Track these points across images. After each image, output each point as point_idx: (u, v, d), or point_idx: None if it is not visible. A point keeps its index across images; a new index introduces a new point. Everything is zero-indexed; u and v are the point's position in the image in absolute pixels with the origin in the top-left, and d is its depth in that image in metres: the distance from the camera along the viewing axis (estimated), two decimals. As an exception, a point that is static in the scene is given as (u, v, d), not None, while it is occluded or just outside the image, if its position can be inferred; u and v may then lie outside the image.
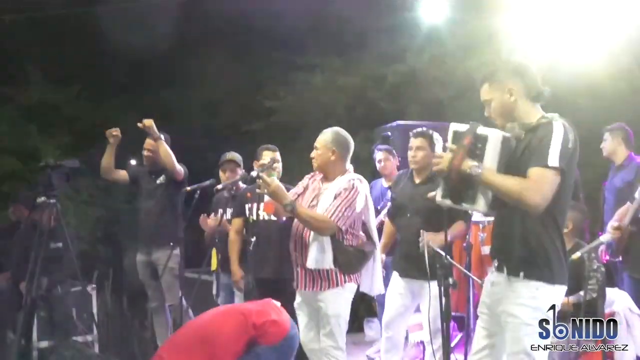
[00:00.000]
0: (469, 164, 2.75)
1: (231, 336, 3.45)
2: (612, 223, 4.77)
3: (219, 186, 5.05)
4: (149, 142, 5.72)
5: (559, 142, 2.70)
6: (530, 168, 2.72)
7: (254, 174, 4.11)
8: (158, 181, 5.67)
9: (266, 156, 4.88)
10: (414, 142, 4.56)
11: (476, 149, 2.79)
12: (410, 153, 4.57)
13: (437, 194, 2.97)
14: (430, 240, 4.46)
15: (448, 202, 2.93)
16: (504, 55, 7.91)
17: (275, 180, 3.90)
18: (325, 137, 4.09)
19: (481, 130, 2.82)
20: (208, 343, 3.40)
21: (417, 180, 4.57)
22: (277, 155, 5.01)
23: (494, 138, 2.78)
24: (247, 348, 3.47)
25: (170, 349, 3.47)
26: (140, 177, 5.76)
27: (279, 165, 4.95)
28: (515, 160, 2.83)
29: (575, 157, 2.81)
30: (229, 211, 5.28)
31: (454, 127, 2.91)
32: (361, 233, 4.09)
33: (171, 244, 5.34)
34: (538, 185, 2.68)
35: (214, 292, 5.44)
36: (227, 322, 3.54)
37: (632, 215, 4.57)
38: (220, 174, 5.39)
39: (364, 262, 4.04)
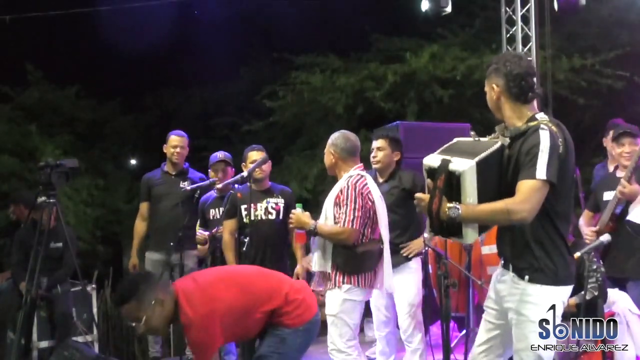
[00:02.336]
0: (447, 207, 2.72)
1: (262, 295, 3.38)
2: (591, 228, 4.68)
3: (219, 185, 5.05)
4: (179, 139, 5.67)
5: (547, 152, 2.69)
6: (519, 181, 2.72)
7: (244, 174, 4.26)
8: (182, 185, 5.65)
9: (252, 157, 4.88)
10: (375, 143, 4.81)
11: (452, 185, 2.73)
12: (372, 154, 4.79)
13: (426, 228, 2.95)
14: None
15: (437, 237, 2.94)
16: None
17: (294, 214, 4.06)
18: (328, 141, 4.18)
19: (453, 165, 2.72)
20: (245, 290, 3.35)
21: (381, 180, 4.73)
22: (263, 155, 4.93)
23: (468, 172, 2.70)
24: (270, 320, 3.39)
25: (202, 277, 3.39)
26: (161, 181, 5.71)
27: (267, 165, 4.90)
28: (506, 172, 2.81)
29: (569, 159, 2.81)
30: (219, 211, 5.26)
31: (427, 162, 2.85)
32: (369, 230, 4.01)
33: (192, 244, 5.34)
34: (525, 196, 2.68)
35: None
36: (263, 281, 3.47)
37: (610, 215, 4.51)
38: (211, 174, 5.35)
39: (365, 261, 3.95)
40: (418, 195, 2.86)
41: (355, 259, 3.91)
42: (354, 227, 3.87)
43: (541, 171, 2.68)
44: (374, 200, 3.98)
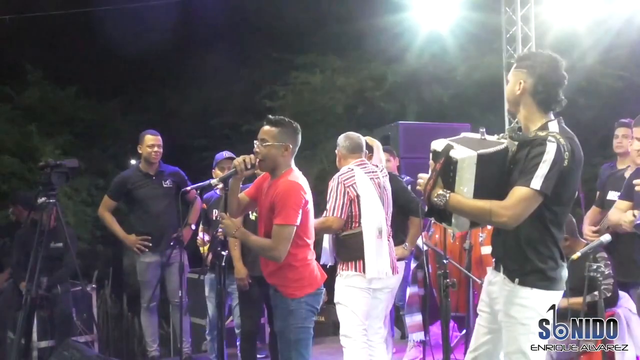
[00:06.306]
0: (436, 193, 2.75)
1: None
2: (590, 227, 4.67)
3: (220, 186, 5.02)
4: (155, 138, 5.64)
5: (548, 165, 2.66)
6: (515, 186, 2.71)
7: (213, 182, 3.95)
8: (165, 184, 5.65)
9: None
10: (382, 156, 4.90)
11: (449, 172, 2.75)
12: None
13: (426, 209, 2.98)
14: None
15: (433, 219, 2.98)
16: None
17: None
18: None
19: (454, 152, 2.73)
20: None
21: None
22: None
23: (466, 161, 2.69)
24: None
25: None
26: (142, 183, 5.68)
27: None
28: (508, 175, 2.79)
29: (576, 171, 2.77)
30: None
31: (434, 145, 2.86)
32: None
33: (183, 243, 5.35)
34: (513, 202, 2.68)
35: (206, 293, 5.44)
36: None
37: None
38: (217, 172, 5.30)
39: (350, 247, 4.10)
40: (421, 174, 2.90)
41: (342, 246, 4.14)
42: (336, 215, 4.08)
43: (537, 181, 2.66)
44: (359, 194, 4.12)
